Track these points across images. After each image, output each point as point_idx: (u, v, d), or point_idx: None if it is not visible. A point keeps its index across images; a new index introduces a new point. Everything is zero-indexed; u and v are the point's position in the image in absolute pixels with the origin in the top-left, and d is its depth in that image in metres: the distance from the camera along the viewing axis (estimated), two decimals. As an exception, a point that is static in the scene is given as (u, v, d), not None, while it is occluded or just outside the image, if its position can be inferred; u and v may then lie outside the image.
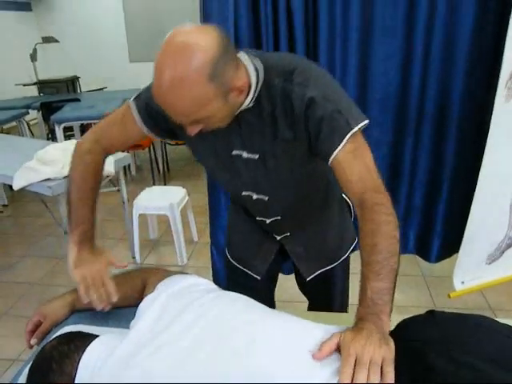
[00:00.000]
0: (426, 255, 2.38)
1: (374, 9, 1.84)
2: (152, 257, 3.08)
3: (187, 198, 3.07)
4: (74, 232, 1.13)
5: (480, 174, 1.94)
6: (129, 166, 4.70)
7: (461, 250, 2.13)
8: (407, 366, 0.71)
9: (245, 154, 1.05)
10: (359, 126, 0.95)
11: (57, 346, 0.90)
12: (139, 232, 2.96)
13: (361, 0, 1.82)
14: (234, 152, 1.05)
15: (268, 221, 1.25)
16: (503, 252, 2.26)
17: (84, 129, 4.85)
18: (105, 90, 6.29)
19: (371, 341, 0.75)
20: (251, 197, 1.15)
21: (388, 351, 0.74)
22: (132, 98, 1.10)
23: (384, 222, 0.89)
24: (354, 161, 0.95)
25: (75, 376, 0.82)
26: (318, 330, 0.84)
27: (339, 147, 0.93)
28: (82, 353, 0.85)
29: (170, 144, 4.30)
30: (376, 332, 0.76)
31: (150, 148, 4.32)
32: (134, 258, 3.02)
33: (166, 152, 4.50)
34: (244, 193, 1.16)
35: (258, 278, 1.37)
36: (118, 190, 2.93)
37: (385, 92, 2.00)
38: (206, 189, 2.17)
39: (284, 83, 0.94)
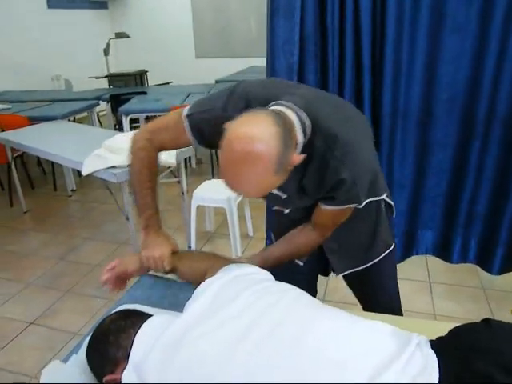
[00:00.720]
0: (487, 266, 2.26)
1: (446, 4, 1.78)
2: (207, 248, 3.15)
3: (244, 192, 3.10)
4: (141, 219, 1.26)
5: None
6: (189, 158, 4.83)
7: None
8: (457, 371, 0.69)
9: (275, 191, 1.16)
10: (364, 202, 1.12)
11: (115, 320, 0.95)
12: (196, 223, 3.03)
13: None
14: (275, 191, 1.16)
15: (286, 211, 1.32)
16: None
17: (150, 121, 5.02)
18: (170, 84, 6.49)
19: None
20: (282, 211, 1.31)
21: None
22: (185, 113, 1.15)
23: (301, 244, 1.24)
24: (331, 219, 1.18)
25: (130, 351, 0.86)
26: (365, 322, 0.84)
27: (338, 208, 1.12)
28: (138, 329, 0.89)
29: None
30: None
31: (210, 142, 4.40)
32: (189, 247, 3.11)
33: (225, 147, 4.57)
34: (275, 207, 1.34)
35: (301, 263, 1.40)
36: (179, 182, 3.03)
37: (452, 92, 1.92)
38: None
39: (325, 149, 1.01)
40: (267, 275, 1.07)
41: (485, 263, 2.27)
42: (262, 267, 1.10)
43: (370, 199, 1.19)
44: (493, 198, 2.11)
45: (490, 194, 2.11)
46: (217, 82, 5.71)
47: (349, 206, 1.12)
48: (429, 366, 0.72)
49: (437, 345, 0.79)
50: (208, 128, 1.12)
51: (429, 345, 0.79)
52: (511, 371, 0.66)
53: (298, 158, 0.92)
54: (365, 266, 1.37)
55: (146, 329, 0.89)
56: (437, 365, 0.72)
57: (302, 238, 1.24)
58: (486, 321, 0.80)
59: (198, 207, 3.00)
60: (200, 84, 5.72)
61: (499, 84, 1.86)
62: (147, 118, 4.96)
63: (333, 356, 0.75)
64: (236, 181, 0.87)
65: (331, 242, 1.34)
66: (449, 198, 2.18)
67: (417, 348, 0.76)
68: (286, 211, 1.32)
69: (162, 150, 1.26)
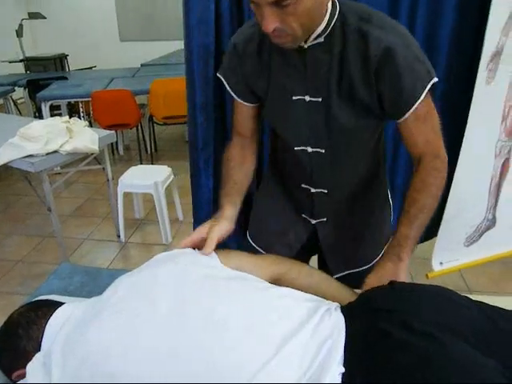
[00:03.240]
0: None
1: None
2: (137, 235, 3.09)
3: (172, 177, 3.07)
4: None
5: (459, 156, 1.96)
6: (116, 145, 4.68)
7: (439, 232, 2.16)
8: (362, 332, 0.73)
9: (307, 98, 1.03)
10: (435, 79, 0.96)
11: (24, 312, 0.91)
12: (124, 211, 2.96)
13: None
14: (295, 97, 1.04)
15: (313, 190, 1.20)
16: (482, 234, 2.30)
17: (72, 108, 4.80)
18: (94, 68, 6.21)
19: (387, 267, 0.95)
20: (306, 151, 1.12)
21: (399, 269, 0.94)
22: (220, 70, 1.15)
23: (433, 185, 1.00)
24: (424, 123, 0.99)
25: (41, 341, 0.83)
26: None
27: (421, 97, 0.94)
28: (49, 318, 0.86)
29: (158, 124, 4.28)
30: (392, 265, 0.95)
31: (137, 127, 4.29)
32: (118, 236, 3.03)
33: (154, 132, 4.48)
34: (298, 147, 1.13)
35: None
36: (103, 169, 2.93)
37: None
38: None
39: (360, 22, 0.92)
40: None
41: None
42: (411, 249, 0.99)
43: (435, 77, 0.97)
44: (408, 173, 2.23)
45: (405, 168, 2.23)
46: (142, 65, 5.54)
47: (428, 80, 0.94)
48: (336, 328, 0.76)
49: (346, 309, 0.83)
50: (239, 76, 1.10)
51: (339, 309, 0.83)
52: (408, 326, 0.71)
53: None
54: (365, 268, 1.27)
55: (57, 315, 0.86)
56: (343, 327, 0.76)
57: (423, 181, 1.00)
58: (391, 283, 0.86)
59: (126, 194, 2.92)
60: (124, 68, 5.52)
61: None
62: (69, 105, 4.73)
63: (240, 323, 0.76)
64: None
65: (331, 236, 1.25)
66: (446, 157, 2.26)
67: (326, 313, 0.80)
68: (314, 190, 1.19)
69: (247, 136, 1.21)
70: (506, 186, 2.25)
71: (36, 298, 1.06)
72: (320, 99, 1.01)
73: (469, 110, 1.83)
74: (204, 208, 2.18)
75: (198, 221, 2.27)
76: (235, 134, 1.21)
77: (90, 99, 3.93)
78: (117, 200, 2.90)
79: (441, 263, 2.26)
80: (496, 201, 2.29)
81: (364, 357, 0.70)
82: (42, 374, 0.75)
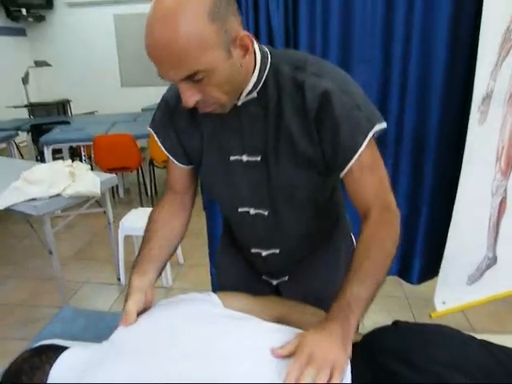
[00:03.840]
0: (407, 277, 2.40)
1: (352, 40, 1.92)
2: (137, 278, 3.06)
3: (173, 219, 3.07)
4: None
5: (457, 196, 1.99)
6: (117, 188, 4.72)
7: (441, 271, 2.16)
8: (368, 371, 0.73)
9: (245, 158, 0.96)
10: (380, 126, 0.88)
11: (28, 358, 0.90)
12: (125, 254, 2.95)
13: (339, 31, 1.90)
14: (233, 158, 0.97)
15: (264, 253, 1.12)
16: (483, 273, 2.30)
17: (73, 151, 4.88)
18: (96, 113, 6.35)
19: (329, 341, 0.75)
20: (248, 212, 1.04)
21: (342, 356, 0.74)
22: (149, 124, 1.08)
23: (385, 239, 0.88)
24: (371, 174, 0.90)
25: None
26: (280, 332, 0.85)
27: (361, 147, 0.86)
28: (54, 363, 0.86)
29: (158, 167, 4.33)
30: (338, 335, 0.76)
31: (138, 171, 4.35)
32: (119, 279, 3.01)
33: (154, 175, 4.53)
34: (241, 209, 1.05)
35: None
36: (104, 212, 2.94)
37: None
38: (193, 212, 2.19)
39: (295, 71, 0.87)
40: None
41: (405, 274, 2.40)
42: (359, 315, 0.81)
43: (381, 124, 0.89)
44: (407, 214, 2.25)
45: (405, 210, 2.25)
46: (143, 110, 5.68)
47: (369, 129, 0.87)
48: None
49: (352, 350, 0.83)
50: (170, 132, 1.03)
51: None
52: (413, 364, 0.71)
53: (246, 36, 0.78)
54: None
55: (62, 359, 0.86)
56: (349, 367, 0.76)
57: (373, 236, 0.89)
58: (395, 323, 0.86)
59: (127, 237, 2.93)
60: (126, 113, 5.65)
61: (404, 108, 2.03)
62: (71, 149, 4.81)
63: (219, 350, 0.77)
64: (163, 15, 0.71)
65: (295, 295, 1.13)
66: (407, 222, 2.29)
67: None
68: (264, 253, 1.11)
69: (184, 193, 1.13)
70: (505, 225, 2.28)
71: (39, 343, 1.05)
72: (259, 158, 0.95)
73: (463, 150, 1.88)
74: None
75: (214, 262, 2.28)
76: (168, 189, 1.13)
77: (91, 143, 4.00)
78: (118, 243, 2.90)
79: (443, 302, 2.25)
80: (495, 239, 2.31)
81: None
82: None
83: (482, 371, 0.71)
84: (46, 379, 0.83)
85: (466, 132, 1.84)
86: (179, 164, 1.07)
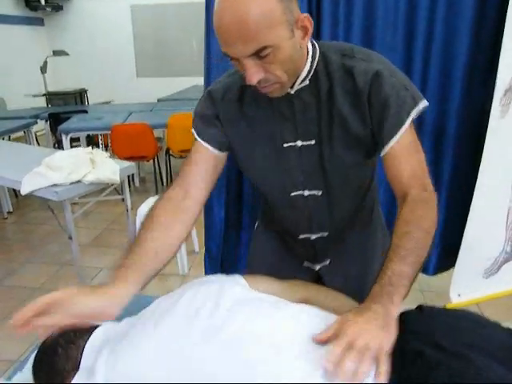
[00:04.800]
0: (423, 268, 2.40)
1: (376, 29, 1.91)
2: (153, 265, 3.11)
3: (190, 207, 3.11)
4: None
5: (476, 188, 1.99)
6: (133, 177, 4.77)
7: (457, 263, 2.16)
8: (394, 352, 0.75)
9: (299, 143, 1.00)
10: (423, 104, 0.93)
11: (62, 333, 0.94)
12: (142, 241, 2.99)
13: (362, 21, 1.89)
14: (286, 144, 1.01)
15: (313, 237, 1.15)
16: (500, 267, 2.29)
17: (90, 140, 4.93)
18: (111, 103, 6.40)
19: (372, 325, 0.72)
20: (302, 195, 1.07)
21: (386, 339, 0.71)
22: (194, 132, 1.07)
23: (424, 218, 0.88)
24: (409, 153, 0.93)
25: (80, 360, 0.85)
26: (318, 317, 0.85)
27: (406, 124, 0.91)
28: (88, 338, 0.89)
29: (174, 156, 4.37)
30: (381, 316, 0.73)
31: (154, 160, 4.39)
32: (135, 266, 3.05)
33: (170, 164, 4.57)
34: (294, 193, 1.07)
35: None
36: (123, 199, 2.99)
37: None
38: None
39: (344, 58, 0.93)
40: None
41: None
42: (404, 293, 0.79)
43: (423, 103, 0.93)
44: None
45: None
46: (159, 100, 5.71)
47: (413, 107, 0.92)
48: None
49: None
50: (210, 111, 1.04)
51: None
52: (439, 346, 0.73)
53: (306, 18, 0.83)
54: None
55: (96, 335, 0.89)
56: None
57: (412, 212, 0.89)
58: (419, 307, 0.87)
59: (144, 224, 2.96)
60: (142, 103, 5.69)
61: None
62: (88, 137, 4.86)
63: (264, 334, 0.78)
64: (235, 14, 0.76)
65: (337, 278, 1.18)
66: (384, 203, 2.30)
67: None
68: (314, 237, 1.14)
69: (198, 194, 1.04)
70: (523, 219, 2.26)
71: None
72: (313, 142, 0.99)
73: (483, 143, 1.87)
74: (215, 239, 2.22)
75: (208, 251, 2.31)
76: (177, 186, 1.04)
77: (108, 132, 4.04)
78: (135, 230, 2.94)
79: (459, 295, 2.25)
80: (513, 233, 2.30)
81: (400, 376, 0.71)
82: None
83: (508, 353, 0.72)
84: (81, 353, 0.86)
85: (487, 124, 1.84)
86: (213, 149, 1.04)
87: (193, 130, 1.07)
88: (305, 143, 1.00)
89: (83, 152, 2.56)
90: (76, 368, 0.85)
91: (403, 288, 0.79)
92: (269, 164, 1.05)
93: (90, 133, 4.48)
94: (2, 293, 2.84)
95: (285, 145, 1.01)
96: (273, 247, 1.27)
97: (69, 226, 2.51)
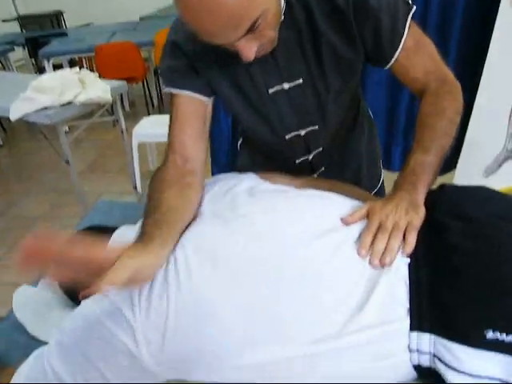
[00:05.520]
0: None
1: None
2: (153, 187, 3.11)
3: (185, 126, 3.05)
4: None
5: (480, 84, 1.94)
6: (122, 101, 4.62)
7: (459, 163, 2.17)
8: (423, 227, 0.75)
9: (286, 85, 0.93)
10: (414, 7, 0.86)
11: (83, 233, 0.94)
12: (140, 163, 2.97)
13: None
14: (272, 90, 0.93)
15: (310, 156, 1.11)
16: (501, 165, 2.31)
17: (74, 65, 4.71)
18: (91, 25, 6.05)
19: (399, 208, 0.74)
20: (298, 135, 1.03)
21: (414, 217, 0.73)
22: (165, 87, 0.94)
23: (447, 108, 0.86)
24: (417, 54, 0.89)
25: None
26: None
27: (405, 34, 0.86)
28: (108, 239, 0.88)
29: (163, 77, 4.21)
30: (407, 200, 0.75)
31: (143, 82, 4.23)
32: (135, 188, 3.05)
33: (160, 85, 4.42)
34: (288, 135, 1.03)
35: None
36: (116, 121, 2.91)
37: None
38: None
39: None
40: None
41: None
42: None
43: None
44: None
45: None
46: (141, 19, 5.40)
47: (408, 11, 0.86)
48: None
49: None
50: (189, 71, 0.91)
51: None
52: (461, 217, 0.73)
53: None
54: None
55: (116, 235, 0.89)
56: None
57: (439, 104, 0.87)
58: (441, 186, 0.87)
59: (139, 146, 2.92)
60: (123, 22, 5.38)
61: None
62: (71, 62, 4.64)
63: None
64: (215, 9, 0.66)
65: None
66: (387, 111, 2.28)
67: None
68: (311, 157, 1.09)
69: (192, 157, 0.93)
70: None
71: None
72: (301, 80, 0.92)
73: (489, 40, 1.79)
74: (224, 147, 2.17)
75: (216, 163, 2.28)
76: (174, 157, 0.92)
77: (92, 54, 3.86)
78: (131, 152, 2.90)
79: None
80: (515, 130, 2.29)
81: (427, 249, 0.72)
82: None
83: None
84: None
85: (497, 13, 1.75)
86: (199, 95, 0.93)
87: (166, 89, 0.93)
88: (292, 84, 0.92)
89: (71, 73, 2.45)
90: None
91: (427, 176, 0.80)
92: (257, 114, 0.98)
93: (75, 56, 4.27)
94: (8, 222, 2.86)
95: (270, 90, 0.93)
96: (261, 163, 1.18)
97: (65, 151, 2.45)
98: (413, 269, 0.71)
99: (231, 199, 0.86)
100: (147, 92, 4.34)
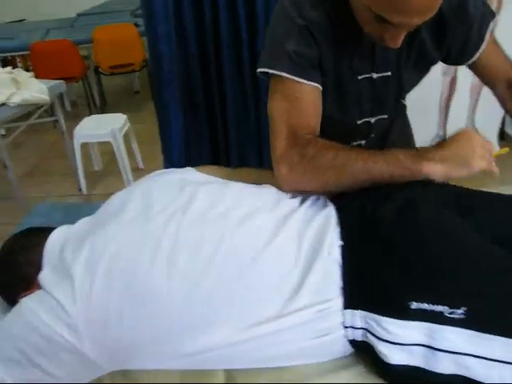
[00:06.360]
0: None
1: None
2: (99, 187, 3.04)
3: (128, 124, 3.00)
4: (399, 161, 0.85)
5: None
6: (62, 101, 4.47)
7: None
8: (353, 209, 0.81)
9: (374, 75, 1.00)
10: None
11: (19, 238, 0.91)
12: (83, 164, 2.89)
13: None
14: (360, 77, 1.00)
15: (364, 142, 1.17)
16: (434, 150, 2.44)
17: (6, 65, 4.49)
18: (24, 21, 5.78)
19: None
20: (369, 122, 1.08)
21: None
22: (277, 71, 0.92)
23: None
24: (496, 45, 1.03)
25: (41, 263, 0.85)
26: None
27: (486, 38, 0.99)
28: (46, 240, 0.87)
29: (104, 74, 4.11)
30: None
31: (83, 81, 4.10)
32: (80, 190, 2.98)
33: (101, 84, 4.31)
34: (360, 121, 1.08)
35: None
36: (56, 121, 2.82)
37: None
38: (147, 119, 2.10)
39: None
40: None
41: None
42: None
43: None
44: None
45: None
46: (79, 15, 5.22)
47: (489, 23, 0.99)
48: (325, 206, 0.85)
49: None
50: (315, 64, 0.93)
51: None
52: (391, 201, 0.79)
53: None
54: None
55: (53, 236, 0.87)
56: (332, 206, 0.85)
57: None
58: None
59: (82, 147, 2.85)
60: (59, 18, 5.17)
61: None
62: (3, 62, 4.42)
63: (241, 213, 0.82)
64: None
65: None
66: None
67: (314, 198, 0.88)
68: (374, 120, 1.10)
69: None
70: (455, 104, 2.38)
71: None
72: (389, 73, 1.00)
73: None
74: (176, 145, 2.14)
75: (169, 160, 2.25)
76: (309, 136, 0.91)
77: (27, 52, 3.70)
78: (74, 153, 2.83)
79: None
80: (446, 117, 2.43)
81: (359, 232, 0.77)
82: (58, 277, 0.75)
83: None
84: (42, 256, 0.85)
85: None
86: (316, 85, 0.94)
87: (286, 74, 0.91)
88: (380, 75, 1.00)
89: (2, 72, 2.35)
90: (38, 271, 0.84)
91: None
92: (339, 99, 1.03)
93: (7, 55, 4.07)
94: None
95: (359, 77, 1.00)
96: None
97: (2, 154, 2.36)
98: (346, 251, 0.76)
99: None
100: (89, 91, 4.21)
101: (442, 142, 0.85)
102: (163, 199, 0.85)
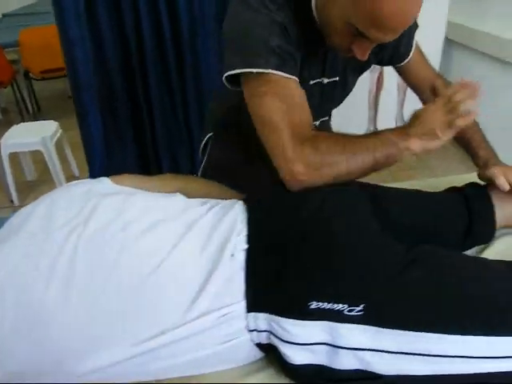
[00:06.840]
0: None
1: None
2: (31, 197, 2.91)
3: (60, 131, 2.90)
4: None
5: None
6: (-8, 108, 4.25)
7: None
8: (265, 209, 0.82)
9: (325, 80, 1.05)
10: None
11: None
12: (15, 175, 2.77)
13: None
14: (312, 82, 1.03)
15: None
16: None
17: None
18: None
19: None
20: (314, 125, 1.12)
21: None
22: (255, 70, 0.87)
23: None
24: (421, 54, 1.14)
25: None
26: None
27: (413, 46, 1.11)
28: None
29: (35, 79, 3.94)
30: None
31: (13, 86, 3.92)
32: (11, 201, 2.84)
33: (33, 89, 4.13)
34: None
35: None
36: (-20, 131, 2.67)
37: None
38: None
39: None
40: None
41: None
42: None
43: None
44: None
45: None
46: (4, 15, 4.97)
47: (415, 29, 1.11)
48: (234, 208, 0.84)
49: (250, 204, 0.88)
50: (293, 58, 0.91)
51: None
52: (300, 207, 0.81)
53: None
54: None
55: None
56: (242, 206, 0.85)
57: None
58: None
59: (13, 157, 2.72)
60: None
61: None
62: None
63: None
64: (411, 11, 0.80)
65: None
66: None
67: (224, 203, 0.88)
68: (317, 123, 1.18)
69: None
70: (383, 99, 2.46)
71: None
72: (337, 78, 1.06)
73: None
74: (97, 149, 2.10)
75: (92, 168, 2.20)
76: (304, 133, 0.89)
77: None
78: (3, 163, 2.69)
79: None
80: (375, 113, 2.50)
81: (263, 237, 0.78)
82: None
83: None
84: None
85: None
86: (297, 78, 0.93)
87: (272, 70, 0.87)
88: (330, 80, 1.06)
89: None
90: None
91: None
92: None
93: None
94: None
95: (311, 82, 1.03)
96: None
97: None
98: (250, 255, 0.75)
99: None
100: (20, 97, 4.02)
101: (414, 118, 0.87)
102: (66, 214, 0.81)
